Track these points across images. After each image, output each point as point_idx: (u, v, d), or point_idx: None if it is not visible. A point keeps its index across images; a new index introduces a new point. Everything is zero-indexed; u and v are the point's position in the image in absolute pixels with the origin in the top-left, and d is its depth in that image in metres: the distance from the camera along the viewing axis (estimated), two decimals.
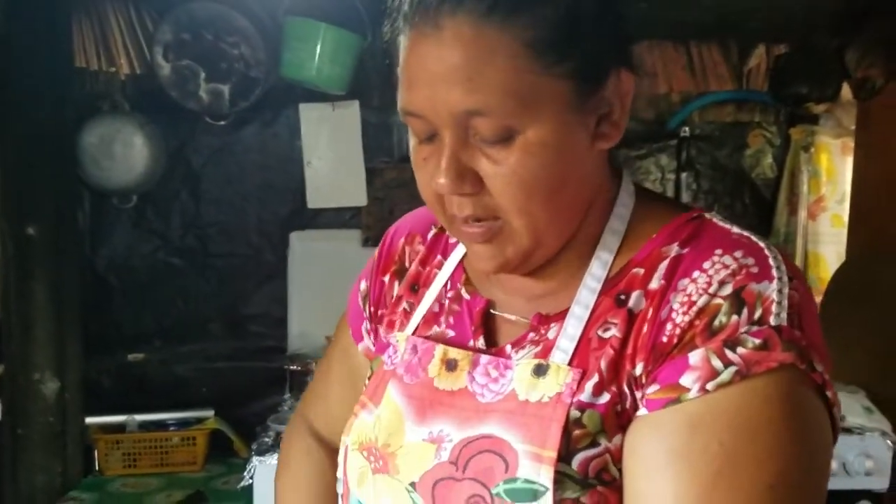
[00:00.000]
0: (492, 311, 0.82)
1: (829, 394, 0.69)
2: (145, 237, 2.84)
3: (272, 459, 2.14)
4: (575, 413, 0.70)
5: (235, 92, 2.54)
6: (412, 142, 0.76)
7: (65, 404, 2.48)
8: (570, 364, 0.73)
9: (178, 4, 2.48)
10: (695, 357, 0.66)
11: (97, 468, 2.56)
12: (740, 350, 0.65)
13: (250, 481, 2.15)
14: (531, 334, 0.78)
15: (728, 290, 0.68)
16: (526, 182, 0.70)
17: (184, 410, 2.65)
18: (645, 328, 0.71)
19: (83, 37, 2.63)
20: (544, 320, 0.77)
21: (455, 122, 0.70)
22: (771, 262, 0.69)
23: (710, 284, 0.69)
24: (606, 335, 0.72)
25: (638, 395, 0.70)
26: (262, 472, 2.12)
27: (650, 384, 0.68)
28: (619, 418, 0.70)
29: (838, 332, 2.74)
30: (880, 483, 2.29)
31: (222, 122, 2.70)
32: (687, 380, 0.66)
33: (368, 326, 0.95)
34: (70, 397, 2.49)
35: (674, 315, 0.69)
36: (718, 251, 0.70)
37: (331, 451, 0.97)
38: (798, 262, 2.96)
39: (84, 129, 2.60)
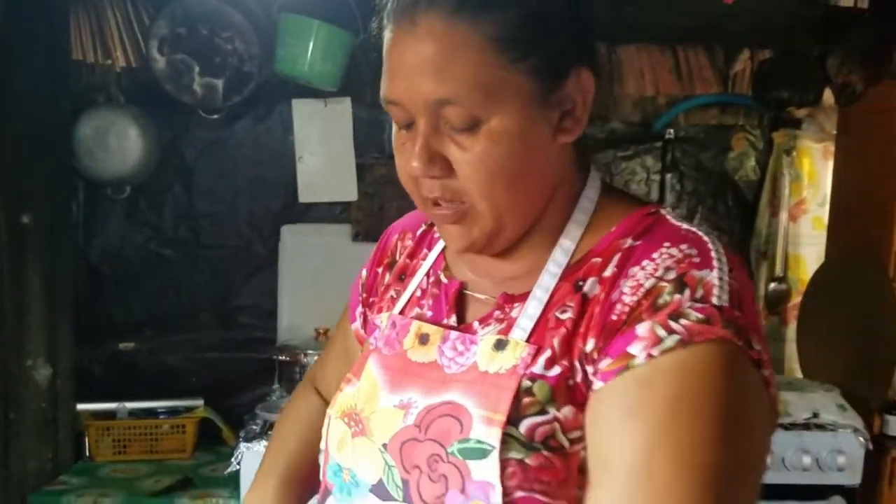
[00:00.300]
0: (465, 291, 0.89)
1: (765, 372, 0.74)
2: (138, 228, 2.86)
3: (259, 446, 2.19)
4: (526, 383, 0.77)
5: (229, 86, 2.57)
6: (394, 129, 0.82)
7: (56, 391, 2.52)
8: (527, 341, 0.79)
9: None
10: (641, 329, 0.72)
11: (87, 454, 2.61)
12: (683, 321, 0.71)
13: (238, 467, 2.20)
14: (497, 312, 0.84)
15: (672, 274, 0.74)
16: (489, 168, 0.77)
17: (174, 399, 2.69)
18: (597, 310, 0.77)
19: (80, 30, 2.66)
20: (509, 300, 0.84)
21: (428, 111, 0.76)
22: (713, 253, 0.76)
23: (656, 270, 0.75)
24: (563, 316, 0.79)
25: (589, 369, 0.76)
26: (249, 458, 2.16)
27: (602, 359, 0.74)
28: (570, 391, 0.76)
29: (817, 332, 2.82)
30: (852, 479, 2.35)
31: (216, 116, 2.72)
32: (634, 348, 0.72)
33: (361, 310, 1.03)
34: (62, 384, 2.53)
35: (623, 297, 0.75)
36: (667, 244, 0.77)
37: (326, 403, 1.04)
38: (778, 263, 3.02)
39: (79, 120, 2.62)
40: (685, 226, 0.80)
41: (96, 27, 2.67)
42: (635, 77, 3.00)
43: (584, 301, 0.78)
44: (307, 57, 2.49)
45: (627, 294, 0.75)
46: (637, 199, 0.89)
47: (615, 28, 2.85)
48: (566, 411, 0.76)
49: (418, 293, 0.94)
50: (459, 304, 0.89)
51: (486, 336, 0.82)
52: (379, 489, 0.81)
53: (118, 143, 2.64)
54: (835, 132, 2.87)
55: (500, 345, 0.80)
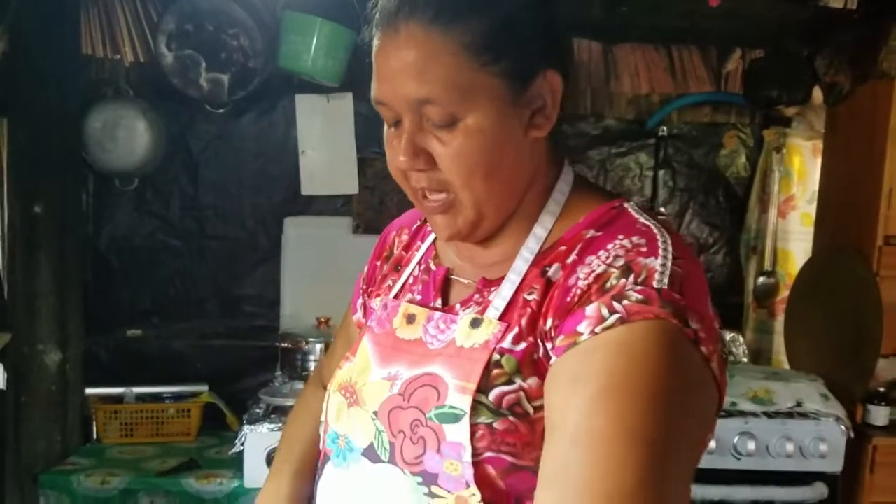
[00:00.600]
0: (451, 276, 0.98)
1: (704, 349, 0.79)
2: (145, 218, 2.91)
3: (262, 428, 2.27)
4: (496, 356, 0.85)
5: (234, 81, 2.62)
6: (385, 126, 0.91)
7: (66, 375, 2.57)
8: (499, 319, 0.87)
9: None
10: (589, 309, 0.79)
11: (95, 437, 2.67)
12: (625, 302, 0.78)
13: (241, 448, 2.29)
14: (476, 295, 0.92)
15: (621, 262, 0.81)
16: (467, 160, 0.85)
17: (179, 384, 2.74)
18: (556, 293, 0.84)
19: (90, 25, 2.72)
20: (487, 284, 0.92)
21: (411, 109, 0.85)
22: (659, 244, 0.82)
23: (608, 258, 0.82)
24: (529, 298, 0.87)
25: (549, 346, 0.83)
26: (252, 439, 2.25)
27: (558, 336, 0.82)
28: (534, 364, 0.84)
29: (804, 325, 2.90)
30: (834, 465, 2.42)
31: (221, 111, 2.77)
32: (582, 326, 0.79)
33: (361, 301, 1.12)
34: (71, 369, 2.59)
35: (578, 282, 0.83)
36: (621, 236, 0.84)
37: None
38: (767, 258, 3.09)
39: (89, 113, 2.67)
40: (642, 219, 0.87)
41: (105, 23, 2.73)
42: (630, 75, 3.06)
43: (548, 285, 0.86)
44: (310, 53, 2.54)
45: (581, 279, 0.82)
46: (606, 192, 0.96)
47: (611, 28, 2.93)
48: (531, 382, 0.83)
49: (410, 280, 1.02)
50: (445, 288, 0.97)
51: (465, 315, 0.91)
52: (370, 452, 0.89)
53: (127, 136, 2.70)
54: (823, 130, 2.94)
55: (475, 323, 0.89)
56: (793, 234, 3.09)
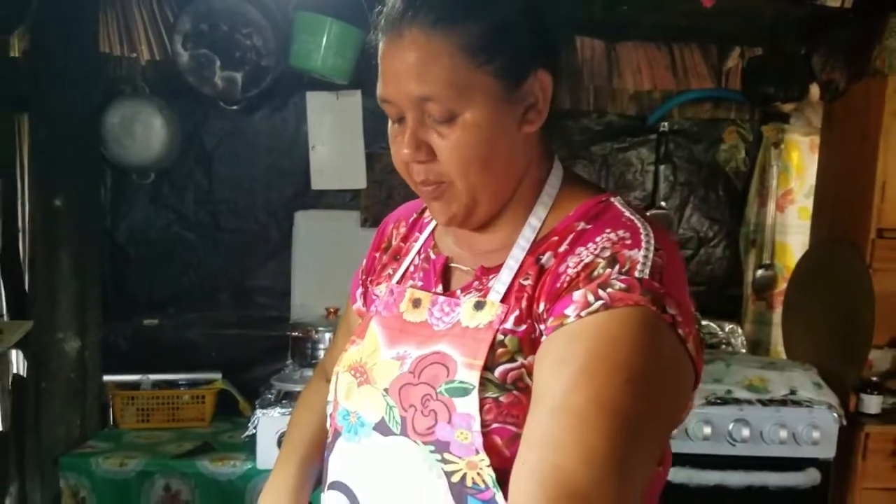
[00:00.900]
0: (450, 264, 1.05)
1: (680, 331, 0.87)
2: (161, 212, 2.98)
3: (274, 413, 2.36)
4: (500, 336, 0.93)
5: (248, 79, 2.69)
6: (389, 123, 0.98)
7: (85, 362, 2.65)
8: (500, 302, 0.95)
9: None
10: (577, 295, 0.87)
11: (113, 422, 2.75)
12: (609, 290, 0.86)
13: (254, 431, 2.38)
14: (476, 282, 1.00)
15: (607, 253, 0.89)
16: (464, 153, 0.93)
17: (194, 372, 2.81)
18: (548, 279, 0.92)
19: (108, 25, 2.79)
20: (486, 271, 1.00)
21: (413, 106, 0.92)
22: (643, 237, 0.90)
23: (596, 249, 0.90)
24: (525, 283, 0.95)
25: (542, 327, 0.91)
26: (264, 423, 2.34)
27: (548, 318, 0.90)
28: (533, 343, 0.92)
29: (800, 316, 2.98)
30: (827, 452, 2.49)
31: (235, 107, 2.84)
32: (569, 310, 0.87)
33: (361, 291, 1.20)
34: (90, 356, 2.66)
35: (568, 269, 0.90)
36: (608, 229, 0.92)
37: None
38: (766, 251, 3.15)
39: (107, 110, 2.73)
40: (627, 213, 0.95)
41: (123, 22, 2.81)
42: (633, 72, 3.12)
43: (541, 271, 0.94)
44: (320, 52, 2.61)
45: (571, 267, 0.90)
46: (593, 186, 1.04)
47: (614, 26, 3.00)
48: (531, 359, 0.91)
49: (411, 268, 1.10)
50: (445, 275, 1.05)
51: (468, 299, 0.99)
52: (381, 426, 0.97)
53: (143, 132, 2.76)
54: (820, 126, 3.00)
55: (479, 305, 0.96)
56: (791, 228, 3.14)
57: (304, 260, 3.02)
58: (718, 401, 2.51)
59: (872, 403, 2.61)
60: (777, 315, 3.14)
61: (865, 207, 2.59)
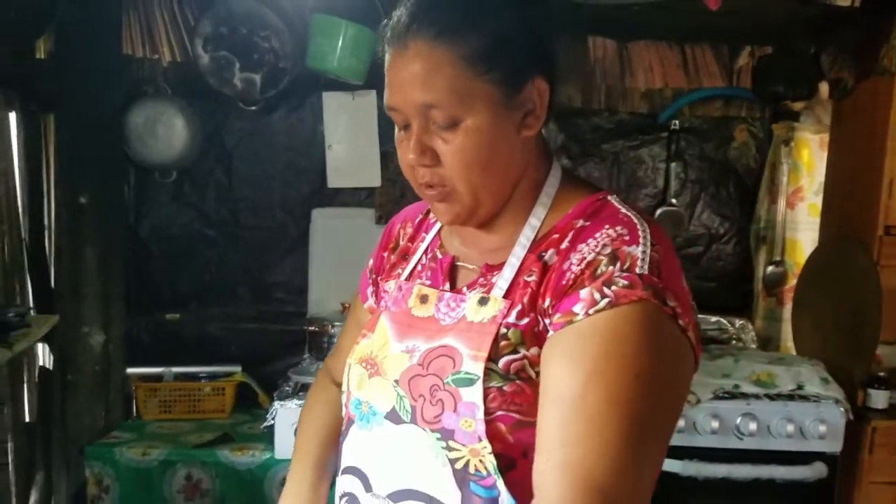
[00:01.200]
0: (456, 263, 1.11)
1: (680, 321, 0.93)
2: (183, 209, 3.04)
3: (291, 404, 2.43)
4: (503, 330, 0.98)
5: (266, 80, 2.75)
6: (396, 130, 1.04)
7: (109, 355, 2.72)
8: (504, 297, 1.01)
9: (217, 1, 2.71)
10: (583, 293, 0.93)
11: (136, 413, 2.83)
12: (613, 288, 0.92)
13: (272, 422, 2.45)
14: (480, 279, 1.06)
15: (608, 250, 0.94)
16: (465, 157, 0.98)
17: (214, 365, 2.88)
18: (553, 276, 0.98)
19: (130, 27, 2.85)
20: (490, 269, 1.05)
21: (418, 113, 0.98)
22: (640, 233, 0.96)
23: (597, 247, 0.96)
24: (529, 280, 1.00)
25: (547, 321, 0.97)
26: (282, 414, 2.41)
27: (555, 314, 0.95)
28: (536, 336, 0.97)
29: (809, 312, 3.01)
30: (833, 446, 2.52)
31: (253, 108, 2.90)
32: (577, 308, 0.93)
33: (372, 289, 1.24)
34: (114, 349, 2.74)
35: (572, 267, 0.96)
36: (607, 226, 0.97)
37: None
38: (776, 247, 3.18)
39: (130, 110, 2.81)
40: (623, 210, 1.01)
41: (145, 25, 2.87)
42: (645, 71, 3.15)
43: (545, 268, 0.99)
44: (336, 53, 2.66)
45: (575, 265, 0.96)
46: (590, 185, 1.09)
47: (625, 26, 3.04)
48: (533, 351, 0.97)
49: (419, 267, 1.15)
50: (452, 273, 1.10)
51: (473, 295, 1.04)
52: (392, 415, 1.03)
53: (166, 132, 2.83)
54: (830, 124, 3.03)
55: (483, 301, 1.02)
56: (800, 225, 3.16)
57: (320, 256, 3.07)
58: (726, 395, 2.55)
59: (880, 398, 2.63)
60: (787, 311, 3.16)
61: (873, 205, 2.62)
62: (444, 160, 0.99)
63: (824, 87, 2.95)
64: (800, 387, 2.56)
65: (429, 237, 1.17)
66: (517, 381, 0.96)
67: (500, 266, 1.04)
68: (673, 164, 3.19)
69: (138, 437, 2.63)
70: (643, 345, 0.91)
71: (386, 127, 2.98)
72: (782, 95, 2.84)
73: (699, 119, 3.21)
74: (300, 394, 2.47)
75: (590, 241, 0.97)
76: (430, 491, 0.99)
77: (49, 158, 2.86)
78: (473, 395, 0.96)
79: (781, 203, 3.14)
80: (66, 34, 2.66)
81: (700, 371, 2.65)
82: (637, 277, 0.92)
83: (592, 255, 0.95)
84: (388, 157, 3.01)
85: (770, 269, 3.19)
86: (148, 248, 3.05)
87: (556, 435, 0.90)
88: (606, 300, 0.91)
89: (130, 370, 2.83)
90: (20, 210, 2.73)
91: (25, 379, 2.77)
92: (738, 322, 3.18)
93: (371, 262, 1.26)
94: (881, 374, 2.68)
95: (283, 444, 2.40)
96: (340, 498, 1.12)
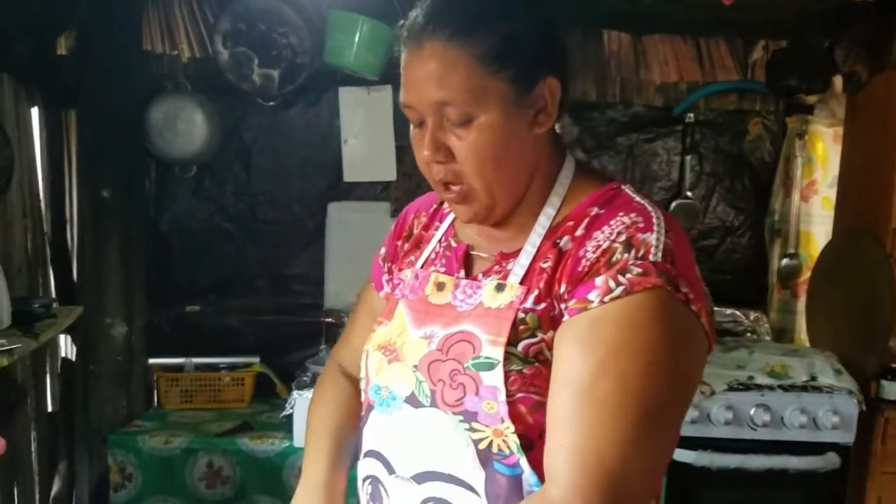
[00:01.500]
0: (470, 252, 1.14)
1: (693, 307, 0.96)
2: (203, 203, 3.07)
3: (309, 393, 2.44)
4: (521, 315, 1.01)
5: (284, 76, 2.77)
6: (412, 127, 1.07)
7: (131, 346, 2.77)
8: (520, 284, 1.04)
9: None
10: (598, 280, 0.96)
11: (157, 403, 2.89)
12: (628, 276, 0.95)
13: (290, 411, 2.50)
14: (496, 266, 1.09)
15: (623, 238, 0.97)
16: (479, 153, 1.01)
17: (233, 356, 2.92)
18: (569, 262, 1.01)
19: (150, 24, 2.88)
20: (505, 257, 1.08)
21: (433, 111, 1.01)
22: (654, 220, 0.98)
23: (612, 234, 0.98)
24: (545, 266, 1.03)
25: (562, 306, 1.00)
26: (300, 404, 2.45)
27: (570, 299, 0.98)
28: (551, 320, 1.01)
29: (823, 305, 3.03)
30: (846, 437, 2.55)
31: (272, 103, 2.91)
32: (592, 295, 0.96)
33: (387, 278, 1.27)
34: (136, 340, 2.79)
35: (587, 254, 0.99)
36: (621, 213, 1.00)
37: (354, 381, 1.26)
38: (791, 240, 3.18)
39: (151, 106, 2.83)
40: (637, 198, 1.04)
41: (165, 22, 2.90)
42: (660, 64, 3.16)
43: (560, 254, 1.02)
44: (353, 49, 2.68)
45: (590, 252, 0.99)
46: (604, 175, 1.12)
47: (640, 20, 3.05)
48: (550, 334, 1.00)
49: (433, 256, 1.18)
50: (467, 262, 1.13)
51: (489, 282, 1.07)
52: (412, 399, 1.06)
53: (186, 127, 2.86)
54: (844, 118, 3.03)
55: (500, 287, 1.05)
56: (814, 217, 3.17)
57: (336, 249, 3.10)
58: (740, 386, 2.57)
59: (893, 390, 2.64)
60: (802, 303, 3.18)
61: (887, 198, 2.63)
62: (459, 156, 1.02)
63: (838, 81, 2.95)
64: (813, 378, 2.58)
65: (443, 226, 1.20)
66: (536, 364, 0.99)
67: (515, 254, 1.07)
68: (688, 157, 3.20)
69: (160, 426, 2.67)
70: (656, 332, 0.93)
71: (401, 122, 2.88)
72: (796, 89, 2.85)
73: (714, 112, 3.21)
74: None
75: (605, 228, 0.99)
76: (453, 472, 1.02)
77: (71, 153, 2.92)
78: (494, 379, 0.99)
79: (796, 196, 3.15)
80: (88, 31, 2.70)
81: (714, 363, 2.69)
82: (651, 265, 0.94)
83: (607, 242, 0.97)
84: (403, 151, 3.02)
85: (784, 261, 3.20)
86: (168, 241, 3.09)
87: (568, 420, 0.93)
88: (621, 288, 0.94)
89: (152, 361, 2.88)
90: (43, 204, 2.78)
91: (48, 370, 2.82)
92: (753, 314, 3.19)
93: (383, 250, 1.28)
94: (894, 365, 2.69)
95: (302, 433, 2.35)
96: (364, 480, 1.15)
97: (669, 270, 0.95)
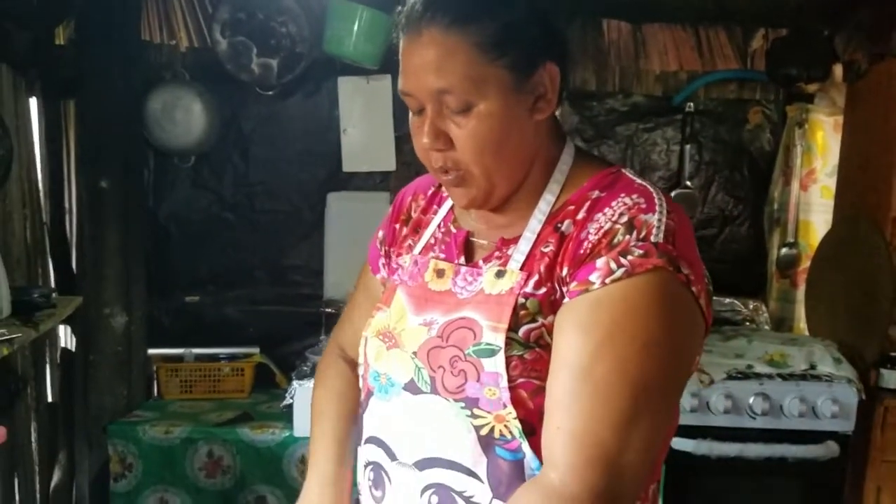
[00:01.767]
0: (470, 238, 1.14)
1: (693, 289, 0.97)
2: (201, 193, 3.07)
3: (309, 383, 2.46)
4: (521, 300, 1.01)
5: (283, 66, 2.78)
6: (410, 115, 1.06)
7: (131, 336, 2.77)
8: (520, 269, 1.04)
9: None
10: (600, 262, 0.96)
11: (157, 393, 2.89)
12: (629, 257, 0.95)
13: (290, 401, 2.50)
14: (496, 253, 1.09)
15: (625, 219, 0.97)
16: (479, 140, 1.01)
17: (233, 346, 2.93)
18: (570, 245, 1.01)
19: (148, 14, 2.89)
20: (505, 243, 1.08)
21: (432, 98, 1.01)
22: (656, 201, 0.99)
23: (614, 215, 0.99)
24: (546, 250, 1.03)
25: (564, 289, 1.00)
26: (301, 393, 2.46)
27: (571, 282, 0.98)
28: (552, 304, 1.01)
29: (823, 293, 3.03)
30: (846, 425, 2.55)
31: (270, 93, 2.92)
32: (594, 277, 0.96)
33: (384, 261, 1.26)
34: (135, 331, 2.79)
35: (589, 236, 0.99)
36: (623, 195, 1.00)
37: (355, 365, 1.26)
38: (790, 229, 3.18)
39: (149, 95, 2.83)
40: (638, 181, 1.04)
41: (163, 11, 2.91)
42: (659, 53, 3.16)
43: (562, 238, 1.02)
44: (352, 38, 2.68)
45: (592, 234, 0.99)
46: (604, 161, 1.13)
47: (640, 9, 3.04)
48: (550, 319, 1.00)
49: (432, 241, 1.17)
50: (467, 248, 1.13)
51: (489, 268, 1.07)
52: (410, 386, 1.06)
53: (184, 117, 2.86)
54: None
55: (500, 274, 1.05)
56: (814, 206, 3.16)
57: (335, 239, 3.09)
58: (739, 375, 2.57)
59: (892, 378, 2.64)
60: (801, 292, 3.18)
61: (887, 186, 2.63)
62: (458, 144, 1.02)
63: (838, 70, 2.95)
64: (812, 367, 2.58)
65: (442, 211, 1.19)
66: (536, 349, 1.00)
67: (515, 240, 1.07)
68: (687, 147, 3.19)
69: (160, 416, 2.68)
70: (655, 315, 0.94)
71: (401, 111, 2.97)
72: (796, 77, 2.84)
73: (713, 101, 3.21)
74: None
75: (606, 210, 0.99)
76: (455, 458, 1.03)
77: (70, 143, 2.91)
78: (496, 365, 0.99)
79: (795, 185, 3.14)
80: (86, 21, 2.70)
81: (713, 351, 2.68)
82: (652, 246, 0.95)
83: (609, 223, 0.98)
84: (402, 140, 3.02)
85: (783, 250, 3.20)
86: (167, 231, 3.09)
87: (566, 403, 0.93)
88: (622, 269, 0.94)
89: (151, 351, 2.88)
90: (42, 194, 2.78)
91: (48, 360, 2.82)
92: (752, 303, 3.19)
93: (381, 233, 1.27)
94: (894, 353, 2.69)
95: (302, 423, 2.44)
96: (365, 466, 1.15)
97: (671, 251, 0.95)
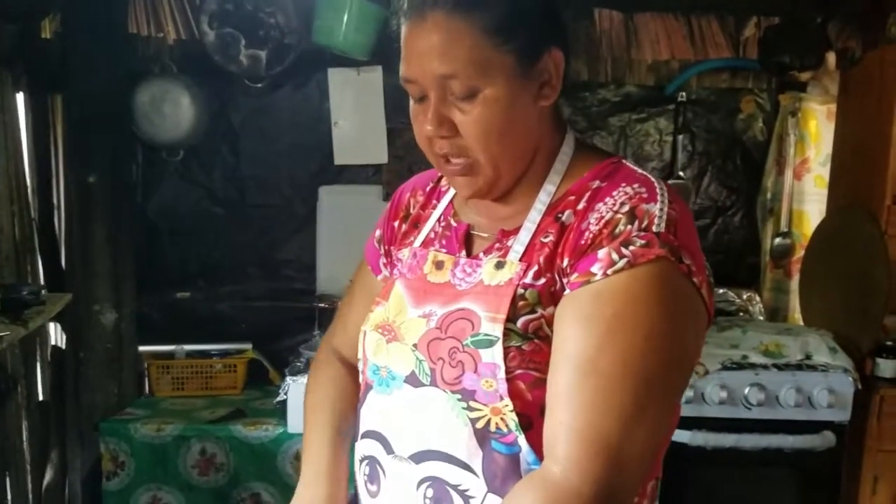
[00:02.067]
0: (471, 232, 1.12)
1: (695, 280, 0.95)
2: (191, 188, 3.04)
3: (303, 379, 2.45)
4: (520, 291, 1.00)
5: (271, 57, 2.75)
6: (411, 102, 1.05)
7: (121, 333, 2.74)
8: (520, 260, 1.02)
9: None
10: (601, 253, 0.95)
11: (148, 390, 2.86)
12: (631, 248, 0.93)
13: (284, 398, 2.48)
14: (496, 244, 1.07)
15: (626, 208, 0.96)
16: (484, 126, 0.99)
17: (225, 342, 2.89)
18: (571, 235, 0.99)
19: (135, 6, 2.84)
20: (505, 234, 1.07)
21: (436, 84, 0.99)
22: (657, 191, 0.98)
23: (615, 205, 0.97)
24: (546, 240, 1.02)
25: (564, 280, 0.98)
26: (294, 389, 2.44)
27: (572, 273, 0.97)
28: (552, 296, 0.99)
29: (817, 283, 3.02)
30: (842, 415, 2.55)
31: (259, 85, 2.90)
32: (595, 268, 0.94)
33: (384, 261, 1.24)
34: (126, 327, 2.76)
35: (590, 226, 0.97)
36: (623, 184, 0.99)
37: (350, 367, 1.25)
38: (783, 218, 3.18)
39: (137, 89, 2.80)
40: (639, 171, 1.03)
41: (150, 3, 2.87)
42: (651, 42, 3.14)
43: (562, 228, 1.01)
44: (342, 29, 2.65)
45: (593, 224, 0.97)
46: (603, 151, 1.11)
47: None
48: (550, 310, 0.99)
49: (432, 235, 1.16)
50: (468, 241, 1.12)
51: (489, 260, 1.06)
52: (411, 378, 1.05)
53: (172, 110, 2.83)
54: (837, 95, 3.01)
55: (499, 265, 1.04)
56: (807, 196, 3.16)
57: (328, 233, 3.07)
58: (734, 366, 2.56)
59: (888, 367, 2.65)
60: (795, 282, 3.17)
61: (881, 174, 2.62)
62: (463, 130, 1.00)
63: (831, 57, 2.94)
64: (808, 356, 2.58)
65: (441, 205, 1.18)
66: (535, 340, 0.98)
67: (515, 231, 1.05)
68: (680, 137, 3.18)
69: (152, 414, 2.65)
70: (657, 306, 0.92)
71: (392, 103, 2.97)
72: (789, 66, 2.83)
73: (706, 90, 3.20)
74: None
75: (607, 199, 0.98)
76: (450, 451, 1.01)
77: (57, 138, 2.88)
78: (493, 356, 0.97)
79: (788, 174, 3.14)
80: (72, 14, 2.67)
81: (708, 342, 2.67)
82: (654, 236, 0.93)
83: (610, 213, 0.96)
84: (394, 133, 3.00)
85: (777, 240, 3.20)
86: (156, 227, 3.06)
87: (568, 395, 0.92)
88: (624, 260, 0.93)
89: (142, 348, 2.85)
90: (29, 190, 2.74)
91: (38, 358, 2.79)
92: (746, 294, 3.19)
93: (378, 232, 1.26)
94: (889, 342, 2.69)
95: (296, 419, 2.42)
96: (361, 461, 1.14)
97: (672, 241, 0.94)
